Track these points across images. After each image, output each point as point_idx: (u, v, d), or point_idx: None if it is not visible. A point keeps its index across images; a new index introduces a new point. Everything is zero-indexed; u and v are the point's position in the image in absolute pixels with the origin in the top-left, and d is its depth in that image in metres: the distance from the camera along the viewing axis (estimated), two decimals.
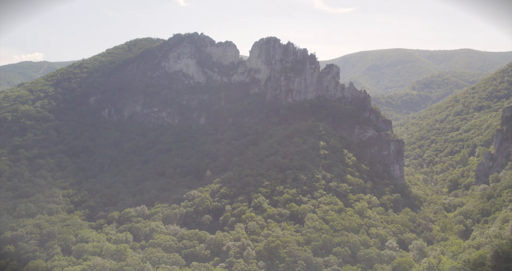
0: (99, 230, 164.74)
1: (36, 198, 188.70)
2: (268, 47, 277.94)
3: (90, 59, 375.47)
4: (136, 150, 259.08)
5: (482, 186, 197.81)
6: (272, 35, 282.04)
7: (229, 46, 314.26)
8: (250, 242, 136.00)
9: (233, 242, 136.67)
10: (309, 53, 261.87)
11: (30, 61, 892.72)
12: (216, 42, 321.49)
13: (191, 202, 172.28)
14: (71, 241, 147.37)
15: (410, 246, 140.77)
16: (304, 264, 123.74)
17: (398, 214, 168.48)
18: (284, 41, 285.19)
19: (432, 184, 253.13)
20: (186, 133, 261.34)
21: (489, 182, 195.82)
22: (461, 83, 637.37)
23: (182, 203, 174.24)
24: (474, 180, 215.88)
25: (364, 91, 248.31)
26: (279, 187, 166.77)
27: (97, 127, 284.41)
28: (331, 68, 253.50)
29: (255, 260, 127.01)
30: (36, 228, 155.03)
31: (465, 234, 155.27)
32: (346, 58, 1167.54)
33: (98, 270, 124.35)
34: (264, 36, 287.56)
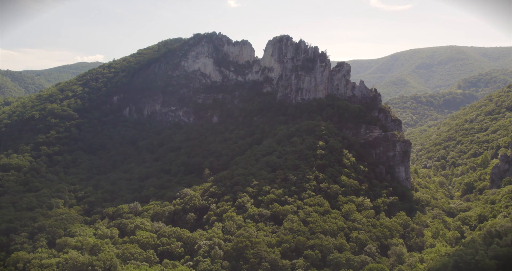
0: (92, 225, 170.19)
1: (42, 193, 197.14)
2: (280, 45, 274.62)
3: (119, 59, 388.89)
4: (149, 147, 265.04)
5: (494, 190, 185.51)
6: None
7: (244, 45, 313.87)
8: (222, 242, 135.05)
9: (205, 241, 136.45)
10: (320, 51, 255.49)
11: (85, 62, 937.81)
12: (233, 41, 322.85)
13: (182, 200, 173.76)
14: (59, 234, 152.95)
15: (389, 252, 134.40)
16: (268, 266, 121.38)
17: (391, 218, 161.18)
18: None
19: (450, 187, 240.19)
20: (197, 132, 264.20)
21: (502, 185, 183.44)
22: (511, 81, 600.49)
23: (174, 201, 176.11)
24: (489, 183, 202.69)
25: (375, 90, 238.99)
26: (265, 187, 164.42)
27: (117, 126, 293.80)
28: (342, 66, 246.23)
29: (221, 260, 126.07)
30: (30, 221, 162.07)
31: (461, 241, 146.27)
32: (395, 57, 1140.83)
33: (70, 263, 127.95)
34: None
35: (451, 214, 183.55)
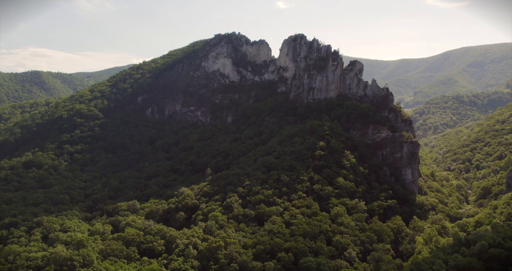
0: (90, 221, 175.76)
1: (52, 189, 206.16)
2: (295, 44, 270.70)
3: (149, 61, 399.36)
4: (166, 147, 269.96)
5: (508, 194, 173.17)
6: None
7: (262, 44, 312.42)
8: (199, 241, 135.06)
9: (183, 240, 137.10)
10: (332, 50, 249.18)
11: (134, 64, 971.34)
12: (251, 41, 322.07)
13: (177, 199, 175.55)
14: (54, 229, 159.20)
15: (368, 257, 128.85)
16: (237, 267, 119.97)
17: (385, 222, 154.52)
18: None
19: (470, 191, 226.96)
20: (210, 131, 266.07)
21: None
22: None
23: (170, 199, 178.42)
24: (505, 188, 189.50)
25: (387, 89, 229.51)
26: (256, 187, 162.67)
27: (138, 125, 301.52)
28: (354, 65, 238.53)
29: (193, 259, 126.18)
30: (31, 216, 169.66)
31: None
32: (446, 55, 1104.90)
33: (53, 257, 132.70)
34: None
35: (458, 219, 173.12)
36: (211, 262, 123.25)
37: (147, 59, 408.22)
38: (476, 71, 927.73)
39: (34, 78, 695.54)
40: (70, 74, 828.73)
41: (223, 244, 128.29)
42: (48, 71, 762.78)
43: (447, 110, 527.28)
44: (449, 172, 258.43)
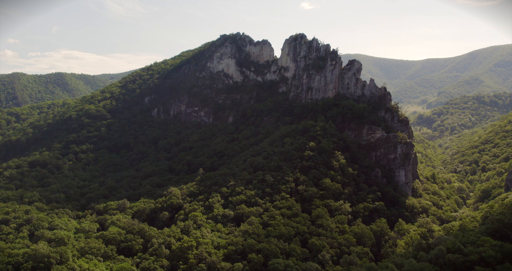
0: (80, 220, 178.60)
1: (50, 188, 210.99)
2: (295, 44, 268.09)
3: (160, 62, 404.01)
4: (168, 147, 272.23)
5: (497, 197, 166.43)
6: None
7: (264, 45, 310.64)
8: (174, 241, 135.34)
9: (159, 240, 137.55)
10: (331, 49, 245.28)
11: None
12: (254, 41, 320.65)
13: (164, 198, 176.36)
14: (42, 227, 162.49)
15: (341, 260, 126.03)
16: (205, 268, 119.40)
17: (370, 224, 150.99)
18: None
19: (471, 193, 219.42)
20: (211, 132, 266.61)
21: None
22: None
23: (158, 199, 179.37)
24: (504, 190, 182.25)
25: (384, 88, 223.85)
26: (239, 188, 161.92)
27: (143, 126, 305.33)
28: (353, 64, 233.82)
29: (163, 259, 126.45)
30: (23, 214, 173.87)
31: None
32: (473, 55, 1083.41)
33: (33, 253, 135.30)
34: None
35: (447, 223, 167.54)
36: (180, 262, 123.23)
37: (158, 60, 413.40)
38: (504, 70, 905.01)
39: (57, 80, 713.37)
40: (94, 76, 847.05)
41: (195, 244, 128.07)
42: (71, 73, 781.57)
43: (466, 111, 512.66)
44: (454, 174, 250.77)
